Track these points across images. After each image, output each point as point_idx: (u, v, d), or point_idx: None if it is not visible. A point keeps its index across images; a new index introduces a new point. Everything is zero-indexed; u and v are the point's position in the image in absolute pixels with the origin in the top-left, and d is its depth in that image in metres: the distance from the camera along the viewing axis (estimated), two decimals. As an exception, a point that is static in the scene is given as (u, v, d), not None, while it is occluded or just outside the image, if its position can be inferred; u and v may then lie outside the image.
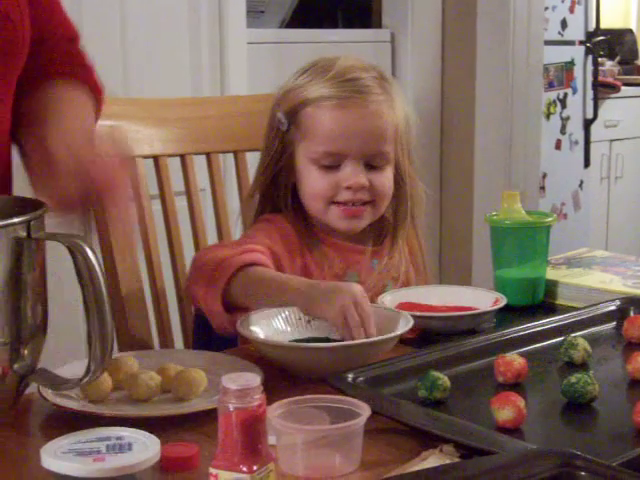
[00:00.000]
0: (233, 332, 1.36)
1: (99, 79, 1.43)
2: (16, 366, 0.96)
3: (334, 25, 3.69)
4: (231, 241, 1.67)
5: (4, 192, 1.37)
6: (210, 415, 1.01)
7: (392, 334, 1.27)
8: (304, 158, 1.53)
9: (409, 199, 1.59)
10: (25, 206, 0.99)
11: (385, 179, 1.54)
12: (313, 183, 1.52)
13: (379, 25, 3.40)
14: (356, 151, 1.50)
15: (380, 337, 1.27)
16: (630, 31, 5.31)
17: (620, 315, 1.44)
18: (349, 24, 3.64)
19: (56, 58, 1.39)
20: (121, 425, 0.94)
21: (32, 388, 1.07)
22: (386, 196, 1.55)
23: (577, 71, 4.15)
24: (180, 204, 1.71)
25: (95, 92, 1.41)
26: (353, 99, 1.49)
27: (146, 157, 1.66)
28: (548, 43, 3.63)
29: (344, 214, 1.52)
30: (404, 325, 1.30)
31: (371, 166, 1.52)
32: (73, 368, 1.13)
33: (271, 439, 0.92)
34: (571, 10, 4.07)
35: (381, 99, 1.51)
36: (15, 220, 0.92)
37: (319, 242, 1.55)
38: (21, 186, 1.41)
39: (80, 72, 1.40)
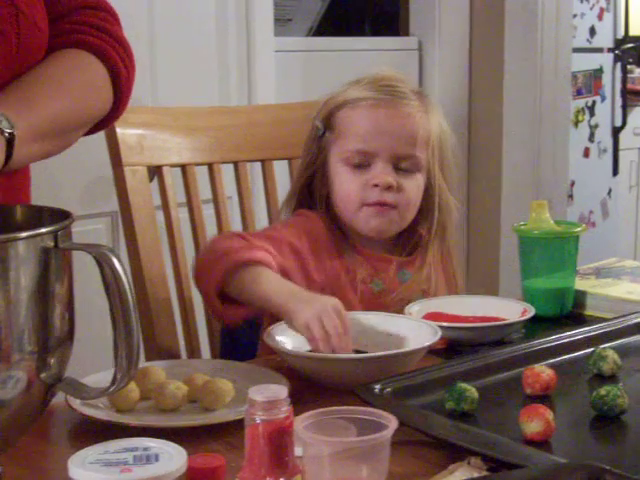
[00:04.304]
0: (224, 319, 1.45)
1: (118, 48, 1.34)
2: (43, 375, 0.95)
3: (362, 33, 3.69)
4: (252, 231, 1.69)
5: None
6: (237, 425, 1.01)
7: (421, 346, 1.26)
8: (336, 160, 1.55)
9: (438, 210, 1.59)
10: (52, 216, 0.99)
11: (413, 185, 1.54)
12: (344, 184, 1.55)
13: (407, 33, 3.39)
14: (386, 150, 1.52)
15: (408, 349, 1.26)
16: (659, 38, 5.28)
17: (650, 326, 1.43)
18: (376, 32, 3.64)
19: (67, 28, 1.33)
20: (148, 435, 0.94)
21: (59, 397, 1.07)
22: (411, 203, 1.55)
23: (605, 78, 4.12)
24: (207, 212, 1.71)
25: (107, 60, 1.32)
26: (387, 100, 1.53)
27: (174, 166, 1.66)
28: (576, 50, 3.61)
29: (372, 212, 1.53)
30: (432, 336, 1.29)
31: (401, 170, 1.53)
32: (100, 377, 1.13)
33: (298, 450, 0.91)
34: (599, 17, 4.05)
35: (414, 104, 1.55)
36: (43, 230, 0.92)
37: (349, 247, 1.56)
38: (41, 194, 1.42)
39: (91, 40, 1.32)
